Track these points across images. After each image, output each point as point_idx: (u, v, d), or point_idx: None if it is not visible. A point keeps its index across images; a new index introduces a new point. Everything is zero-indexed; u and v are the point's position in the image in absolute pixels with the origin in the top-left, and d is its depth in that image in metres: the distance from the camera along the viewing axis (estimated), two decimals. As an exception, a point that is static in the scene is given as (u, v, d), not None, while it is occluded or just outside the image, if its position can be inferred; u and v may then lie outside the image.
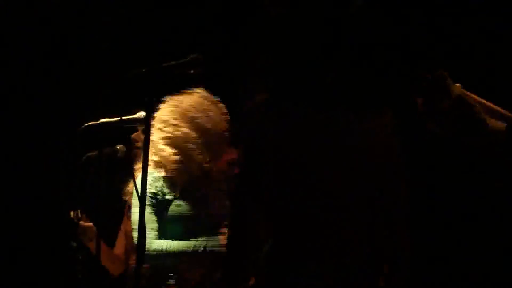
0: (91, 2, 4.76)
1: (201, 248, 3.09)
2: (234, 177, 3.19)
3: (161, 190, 3.12)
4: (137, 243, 2.56)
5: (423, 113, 2.22)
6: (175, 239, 3.13)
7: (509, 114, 2.20)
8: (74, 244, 3.18)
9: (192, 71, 2.69)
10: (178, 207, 3.19)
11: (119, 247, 3.68)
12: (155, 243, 3.05)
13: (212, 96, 3.24)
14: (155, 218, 3.10)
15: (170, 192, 3.15)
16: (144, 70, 2.65)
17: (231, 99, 3.33)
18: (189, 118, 3.18)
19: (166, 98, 3.22)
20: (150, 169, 3.04)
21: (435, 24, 4.04)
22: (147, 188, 3.04)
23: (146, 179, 2.60)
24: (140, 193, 2.60)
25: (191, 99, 3.21)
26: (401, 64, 2.37)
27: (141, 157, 2.95)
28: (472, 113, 2.18)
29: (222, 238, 3.11)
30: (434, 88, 2.21)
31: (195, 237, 3.15)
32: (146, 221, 3.01)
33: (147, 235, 2.91)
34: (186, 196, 3.21)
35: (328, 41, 2.15)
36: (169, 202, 3.16)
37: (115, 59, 4.42)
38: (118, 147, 3.17)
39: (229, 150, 3.31)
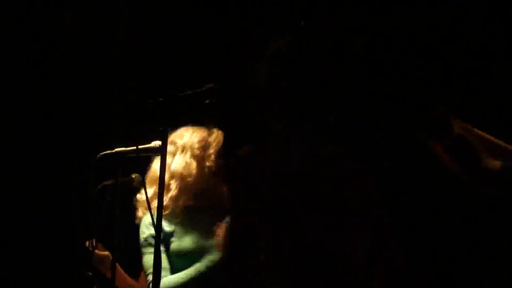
0: (107, 30, 4.77)
1: (203, 268, 3.09)
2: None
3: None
4: (153, 279, 2.55)
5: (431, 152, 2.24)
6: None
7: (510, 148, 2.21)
8: (90, 273, 3.17)
9: (207, 101, 2.69)
10: (179, 243, 3.20)
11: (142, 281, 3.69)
12: (163, 281, 3.02)
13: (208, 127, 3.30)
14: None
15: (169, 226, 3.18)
16: (160, 99, 2.66)
17: (242, 129, 3.33)
18: (198, 143, 3.22)
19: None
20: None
21: (434, 60, 4.10)
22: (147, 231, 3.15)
23: (161, 213, 2.59)
24: (156, 225, 2.59)
25: (198, 130, 3.28)
26: (403, 101, 2.41)
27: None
28: (472, 152, 2.18)
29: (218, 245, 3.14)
30: (438, 126, 2.22)
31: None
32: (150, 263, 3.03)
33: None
34: (187, 230, 3.24)
35: (332, 80, 2.19)
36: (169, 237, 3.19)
37: (131, 88, 4.41)
38: (133, 176, 3.16)
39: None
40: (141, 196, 3.21)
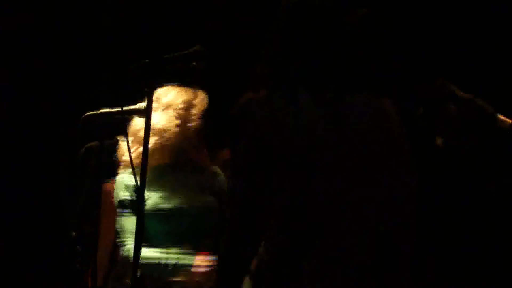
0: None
1: (171, 265, 3.05)
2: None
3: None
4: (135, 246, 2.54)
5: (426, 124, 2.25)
6: (159, 241, 3.11)
7: (508, 120, 2.23)
8: (74, 234, 3.17)
9: (194, 64, 2.64)
10: (154, 202, 3.15)
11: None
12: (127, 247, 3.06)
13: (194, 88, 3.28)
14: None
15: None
16: (146, 61, 2.60)
17: (230, 94, 3.37)
18: (178, 101, 3.20)
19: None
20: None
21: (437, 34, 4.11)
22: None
23: (146, 171, 2.54)
24: (139, 186, 2.54)
25: (181, 89, 3.25)
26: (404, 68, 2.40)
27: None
28: (484, 112, 2.20)
29: (198, 257, 3.07)
30: (439, 95, 2.22)
31: (179, 241, 3.12)
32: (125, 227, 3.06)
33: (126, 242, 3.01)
34: (162, 189, 3.20)
35: (336, 44, 2.17)
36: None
37: (117, 50, 4.42)
38: (118, 138, 3.15)
39: (226, 151, 3.30)
40: (121, 154, 3.19)
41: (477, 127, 2.17)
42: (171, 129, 3.18)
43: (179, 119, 3.21)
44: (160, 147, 3.18)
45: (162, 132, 3.18)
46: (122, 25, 4.66)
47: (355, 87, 2.19)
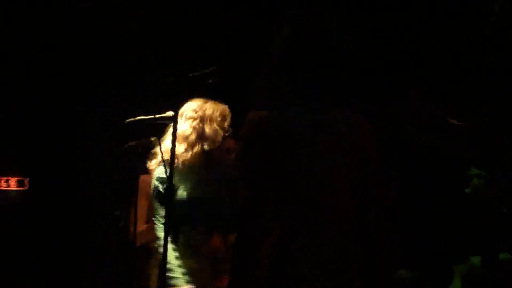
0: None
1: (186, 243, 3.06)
2: (232, 162, 3.24)
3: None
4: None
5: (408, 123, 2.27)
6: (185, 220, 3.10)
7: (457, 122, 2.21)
8: (117, 213, 3.28)
9: (210, 81, 2.72)
10: (183, 191, 3.14)
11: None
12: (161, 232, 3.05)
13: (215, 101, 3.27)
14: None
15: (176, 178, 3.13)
16: (173, 78, 2.66)
17: (237, 102, 3.29)
18: (202, 112, 3.19)
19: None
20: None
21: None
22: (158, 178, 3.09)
23: (173, 167, 2.60)
24: (168, 176, 2.61)
25: (206, 102, 3.25)
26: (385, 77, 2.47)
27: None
28: (443, 118, 2.21)
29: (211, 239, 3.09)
30: (417, 101, 2.28)
31: (198, 222, 3.11)
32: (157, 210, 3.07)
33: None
34: (191, 180, 3.17)
35: (326, 58, 2.17)
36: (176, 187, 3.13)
37: (150, 67, 4.42)
38: (152, 139, 3.15)
39: (229, 140, 3.30)
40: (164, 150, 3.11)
41: (437, 129, 2.18)
42: (211, 136, 3.16)
43: (216, 128, 3.19)
44: (195, 147, 3.16)
45: (206, 138, 3.15)
46: (151, 46, 4.62)
47: (339, 102, 2.28)
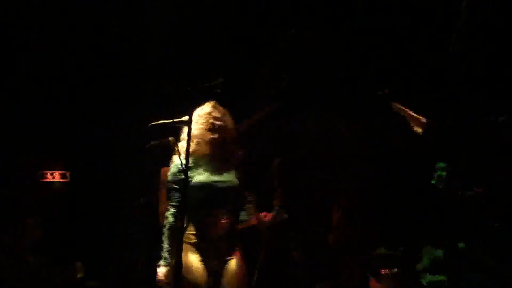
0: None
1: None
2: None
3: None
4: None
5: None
6: (198, 203, 3.10)
7: (424, 120, 2.18)
8: (142, 200, 3.32)
9: (218, 91, 2.81)
10: (198, 178, 3.16)
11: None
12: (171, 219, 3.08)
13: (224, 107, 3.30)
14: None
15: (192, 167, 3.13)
16: (189, 88, 2.77)
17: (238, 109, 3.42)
18: (212, 117, 3.23)
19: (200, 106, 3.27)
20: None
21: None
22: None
23: (188, 161, 2.68)
24: (184, 165, 2.71)
25: (212, 107, 3.28)
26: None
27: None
28: (404, 120, 2.17)
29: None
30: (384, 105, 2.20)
31: (210, 205, 3.11)
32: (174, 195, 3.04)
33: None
34: (204, 169, 3.19)
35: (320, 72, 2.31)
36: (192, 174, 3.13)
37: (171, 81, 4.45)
38: (170, 139, 3.17)
39: (239, 151, 3.31)
40: (180, 147, 3.10)
41: (398, 128, 2.17)
42: (233, 134, 3.23)
43: (228, 126, 3.25)
44: (208, 143, 3.19)
45: (224, 131, 3.20)
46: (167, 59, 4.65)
47: (331, 107, 2.35)
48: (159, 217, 3.47)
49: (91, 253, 4.53)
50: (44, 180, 5.54)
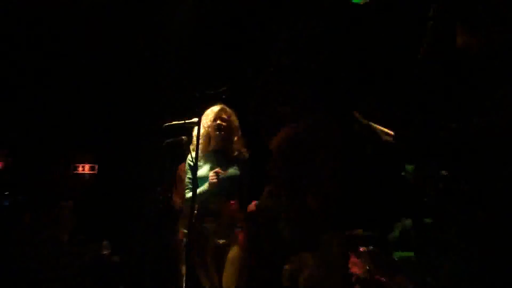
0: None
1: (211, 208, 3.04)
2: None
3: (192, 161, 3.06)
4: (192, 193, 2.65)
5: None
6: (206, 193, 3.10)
7: (391, 132, 2.13)
8: (159, 189, 3.41)
9: (224, 96, 2.84)
10: (202, 171, 3.16)
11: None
12: (189, 193, 3.09)
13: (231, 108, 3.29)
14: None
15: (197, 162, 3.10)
16: (197, 95, 2.78)
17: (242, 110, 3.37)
18: (219, 118, 3.21)
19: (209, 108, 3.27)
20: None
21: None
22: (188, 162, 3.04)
23: (198, 156, 2.74)
24: (194, 163, 2.73)
25: (220, 109, 3.28)
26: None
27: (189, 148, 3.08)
28: (373, 132, 2.15)
29: (228, 204, 3.06)
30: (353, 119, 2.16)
31: (218, 193, 3.11)
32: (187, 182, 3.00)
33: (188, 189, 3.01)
34: (211, 163, 3.19)
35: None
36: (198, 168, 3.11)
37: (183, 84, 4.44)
38: (183, 137, 3.16)
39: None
40: (192, 146, 3.13)
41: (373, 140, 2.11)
42: (237, 133, 3.21)
43: (233, 126, 3.24)
44: (215, 141, 3.19)
45: (234, 131, 3.18)
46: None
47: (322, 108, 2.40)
48: (173, 205, 3.51)
49: (116, 233, 4.58)
50: (76, 172, 5.65)
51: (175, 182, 3.48)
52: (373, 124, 2.05)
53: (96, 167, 5.72)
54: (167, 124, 3.02)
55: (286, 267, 2.24)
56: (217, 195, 3.10)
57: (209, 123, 3.20)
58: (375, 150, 2.07)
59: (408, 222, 3.46)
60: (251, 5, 4.27)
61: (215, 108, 3.25)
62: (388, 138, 2.01)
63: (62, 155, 5.58)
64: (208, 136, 3.20)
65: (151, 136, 3.46)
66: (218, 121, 3.20)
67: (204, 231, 3.05)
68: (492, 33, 1.71)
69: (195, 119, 2.92)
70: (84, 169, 5.69)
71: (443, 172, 2.59)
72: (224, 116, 3.24)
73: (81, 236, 4.19)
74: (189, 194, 3.08)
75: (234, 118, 3.24)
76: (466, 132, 1.73)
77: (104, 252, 4.19)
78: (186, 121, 2.97)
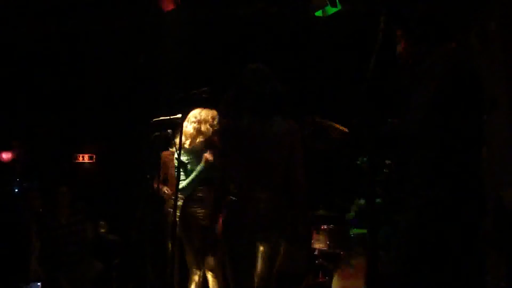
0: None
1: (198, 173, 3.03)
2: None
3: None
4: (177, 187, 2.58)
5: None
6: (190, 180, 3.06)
7: (345, 129, 2.11)
8: (149, 176, 3.52)
9: (204, 95, 2.77)
10: (190, 166, 3.14)
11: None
12: (183, 183, 3.06)
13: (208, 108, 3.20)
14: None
15: (185, 157, 3.10)
16: (181, 95, 2.75)
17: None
18: (199, 117, 3.20)
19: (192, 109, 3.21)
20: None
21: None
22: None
23: (180, 153, 2.72)
24: (178, 157, 2.71)
25: (202, 110, 3.25)
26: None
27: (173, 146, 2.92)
28: (330, 130, 2.12)
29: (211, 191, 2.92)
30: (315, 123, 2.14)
31: (201, 183, 3.09)
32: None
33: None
34: (194, 158, 3.14)
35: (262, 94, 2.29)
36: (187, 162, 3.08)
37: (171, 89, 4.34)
38: (168, 131, 3.16)
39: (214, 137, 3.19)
40: (175, 141, 3.06)
41: (327, 137, 2.12)
42: (205, 131, 3.16)
43: (209, 126, 3.18)
44: (196, 139, 3.17)
45: (202, 132, 3.15)
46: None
47: (274, 112, 2.34)
48: (158, 188, 3.47)
49: (112, 213, 4.55)
50: (77, 160, 5.78)
51: (161, 169, 3.41)
52: (332, 123, 2.05)
53: (95, 157, 5.84)
54: (154, 119, 3.00)
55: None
56: (203, 183, 3.09)
57: (194, 119, 3.20)
58: (334, 145, 2.06)
59: (362, 203, 3.69)
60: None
61: (197, 110, 3.22)
62: (345, 136, 2.01)
63: (65, 147, 5.63)
64: (192, 135, 3.17)
65: (142, 130, 3.40)
66: (197, 124, 3.17)
67: (192, 214, 3.03)
68: (421, 44, 1.74)
69: (179, 115, 2.89)
70: (84, 158, 5.81)
71: (387, 161, 2.79)
72: (203, 117, 3.21)
73: (81, 216, 4.13)
74: (182, 184, 3.04)
75: (211, 117, 3.20)
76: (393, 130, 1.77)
77: (102, 231, 4.16)
78: (171, 117, 2.94)
